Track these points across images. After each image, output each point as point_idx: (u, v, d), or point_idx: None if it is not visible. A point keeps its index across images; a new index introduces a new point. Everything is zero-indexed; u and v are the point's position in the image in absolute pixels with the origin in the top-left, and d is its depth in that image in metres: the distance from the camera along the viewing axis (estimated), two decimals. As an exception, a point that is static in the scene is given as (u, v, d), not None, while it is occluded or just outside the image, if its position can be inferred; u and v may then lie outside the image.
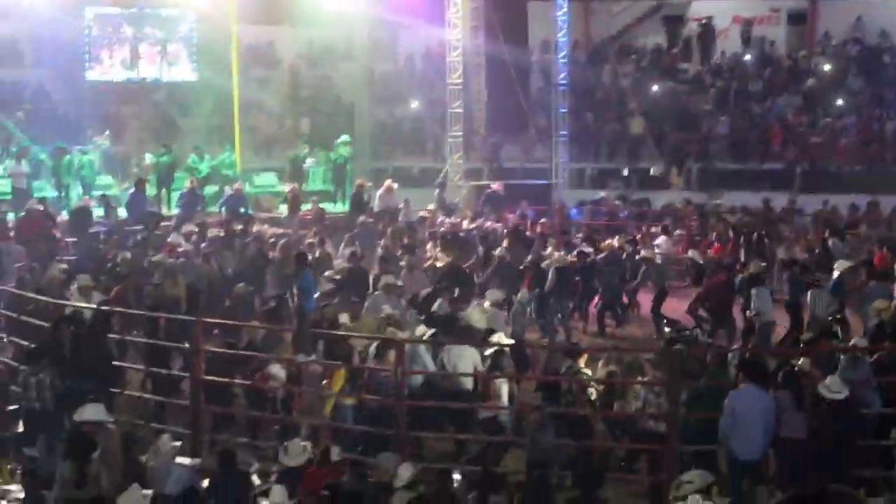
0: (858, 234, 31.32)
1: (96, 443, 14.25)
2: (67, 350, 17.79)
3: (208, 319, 19.85)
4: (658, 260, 27.19)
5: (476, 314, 20.75)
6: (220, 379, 18.14)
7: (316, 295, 22.37)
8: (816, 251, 27.93)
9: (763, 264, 25.04)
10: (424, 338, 18.70)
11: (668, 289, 26.00)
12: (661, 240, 29.71)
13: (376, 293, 22.31)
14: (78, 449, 14.03)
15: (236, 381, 18.32)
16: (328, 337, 19.29)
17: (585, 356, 18.17)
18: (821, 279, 23.16)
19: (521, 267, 25.32)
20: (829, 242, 28.19)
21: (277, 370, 18.14)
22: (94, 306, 19.63)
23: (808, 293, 22.41)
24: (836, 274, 23.07)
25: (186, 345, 18.32)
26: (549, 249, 27.58)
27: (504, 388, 17.75)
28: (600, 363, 18.02)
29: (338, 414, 17.66)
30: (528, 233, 30.62)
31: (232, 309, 22.79)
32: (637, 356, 17.88)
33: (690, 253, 29.61)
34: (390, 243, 27.72)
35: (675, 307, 24.98)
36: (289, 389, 18.04)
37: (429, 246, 28.18)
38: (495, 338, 19.06)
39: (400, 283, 23.14)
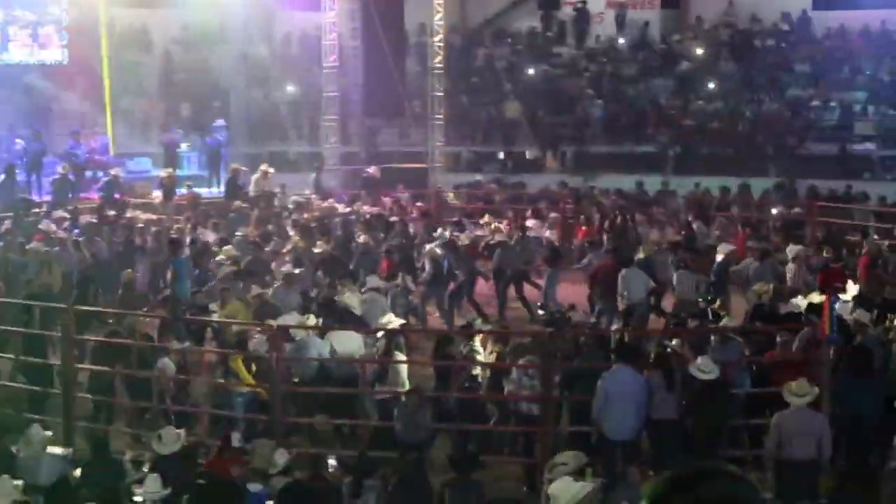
0: (730, 216, 31.85)
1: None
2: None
3: (82, 308, 19.62)
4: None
5: (353, 300, 20.73)
6: (92, 367, 18.00)
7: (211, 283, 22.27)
8: (682, 233, 28.19)
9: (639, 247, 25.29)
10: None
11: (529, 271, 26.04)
12: (531, 223, 29.82)
13: (276, 284, 22.10)
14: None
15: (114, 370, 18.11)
16: (200, 323, 19.23)
17: (479, 338, 18.26)
18: (689, 260, 23.43)
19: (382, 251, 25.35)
20: (694, 225, 28.57)
21: (167, 363, 17.96)
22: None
23: (675, 274, 22.73)
24: (719, 257, 23.43)
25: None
26: (440, 231, 27.80)
27: (402, 370, 17.76)
28: (488, 345, 18.11)
29: (226, 401, 17.64)
30: (406, 216, 30.64)
31: (126, 296, 22.52)
32: (521, 339, 18.07)
33: (546, 233, 29.71)
34: (251, 230, 27.62)
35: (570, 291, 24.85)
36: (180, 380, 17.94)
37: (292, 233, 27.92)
38: (385, 319, 19.17)
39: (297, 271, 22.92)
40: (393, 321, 19.19)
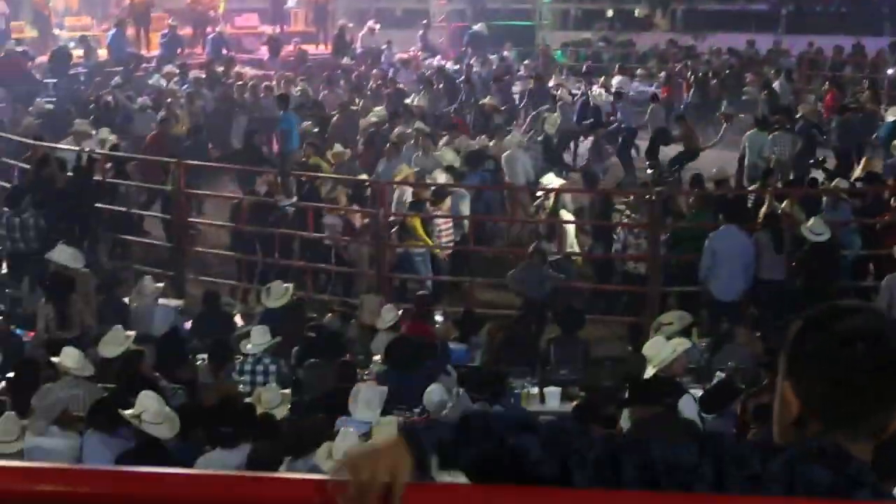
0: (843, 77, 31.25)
1: (74, 283, 14.30)
2: (52, 191, 17.72)
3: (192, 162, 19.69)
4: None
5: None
6: (199, 221, 18.29)
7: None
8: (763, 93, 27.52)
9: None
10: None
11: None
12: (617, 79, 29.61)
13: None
14: (56, 290, 14.08)
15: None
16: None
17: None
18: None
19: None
20: (775, 84, 27.90)
21: (332, 220, 18.10)
22: (80, 149, 19.35)
23: (770, 137, 21.96)
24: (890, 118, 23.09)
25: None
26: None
27: (570, 230, 17.85)
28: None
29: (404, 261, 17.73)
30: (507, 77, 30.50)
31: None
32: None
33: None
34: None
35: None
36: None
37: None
38: (546, 180, 19.23)
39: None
40: (553, 181, 19.15)
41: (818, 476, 2.70)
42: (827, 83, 28.96)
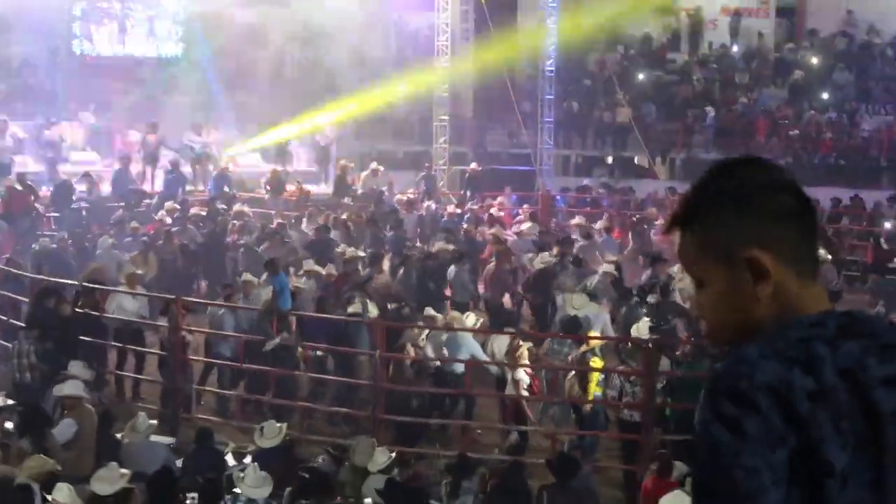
0: (839, 229, 31.44)
1: (51, 420, 14.33)
2: (56, 325, 17.83)
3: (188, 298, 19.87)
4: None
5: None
6: (197, 359, 18.28)
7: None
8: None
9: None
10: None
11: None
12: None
13: None
14: (34, 425, 14.05)
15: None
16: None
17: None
18: None
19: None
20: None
21: None
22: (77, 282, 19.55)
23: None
24: None
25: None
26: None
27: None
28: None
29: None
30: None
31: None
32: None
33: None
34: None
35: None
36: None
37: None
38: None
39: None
40: None
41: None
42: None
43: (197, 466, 14.21)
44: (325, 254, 24.18)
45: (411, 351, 18.14)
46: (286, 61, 43.23)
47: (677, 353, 17.53)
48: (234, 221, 27.70)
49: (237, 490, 12.70)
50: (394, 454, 13.99)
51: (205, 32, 38.10)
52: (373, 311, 19.64)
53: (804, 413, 2.56)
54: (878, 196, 34.85)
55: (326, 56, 42.61)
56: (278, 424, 14.77)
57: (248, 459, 14.21)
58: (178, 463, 14.63)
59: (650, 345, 16.58)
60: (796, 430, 2.56)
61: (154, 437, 15.18)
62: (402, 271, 23.35)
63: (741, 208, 2.80)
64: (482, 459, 15.37)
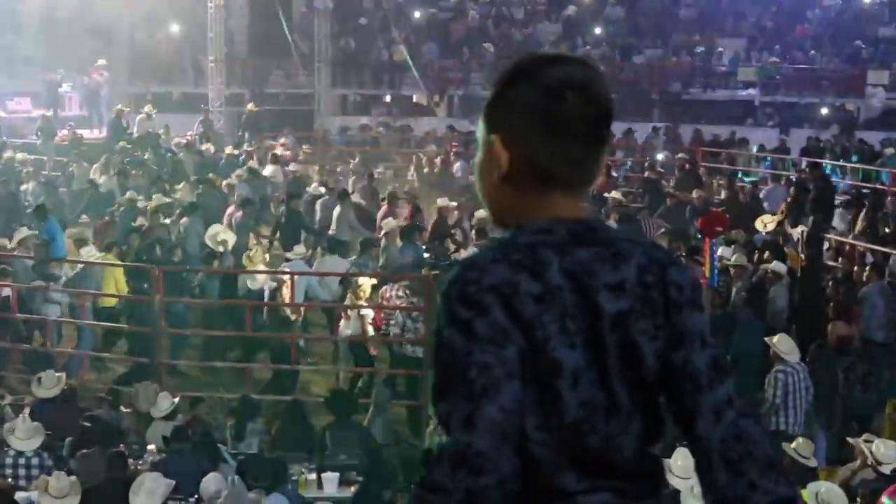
0: (614, 161, 32.07)
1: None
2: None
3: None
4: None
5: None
6: None
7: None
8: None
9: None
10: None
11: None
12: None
13: None
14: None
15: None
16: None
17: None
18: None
19: None
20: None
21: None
22: None
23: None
24: None
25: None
26: None
27: None
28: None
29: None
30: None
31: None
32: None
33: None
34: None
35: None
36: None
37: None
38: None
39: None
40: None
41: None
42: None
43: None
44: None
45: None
46: (55, 3, 41.97)
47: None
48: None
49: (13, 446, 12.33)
50: (177, 399, 13.82)
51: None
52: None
53: (528, 315, 2.63)
54: (649, 129, 35.74)
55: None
56: (57, 374, 14.40)
57: (27, 411, 13.82)
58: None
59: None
60: (522, 331, 2.62)
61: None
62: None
63: (503, 93, 2.85)
64: (265, 400, 15.34)
